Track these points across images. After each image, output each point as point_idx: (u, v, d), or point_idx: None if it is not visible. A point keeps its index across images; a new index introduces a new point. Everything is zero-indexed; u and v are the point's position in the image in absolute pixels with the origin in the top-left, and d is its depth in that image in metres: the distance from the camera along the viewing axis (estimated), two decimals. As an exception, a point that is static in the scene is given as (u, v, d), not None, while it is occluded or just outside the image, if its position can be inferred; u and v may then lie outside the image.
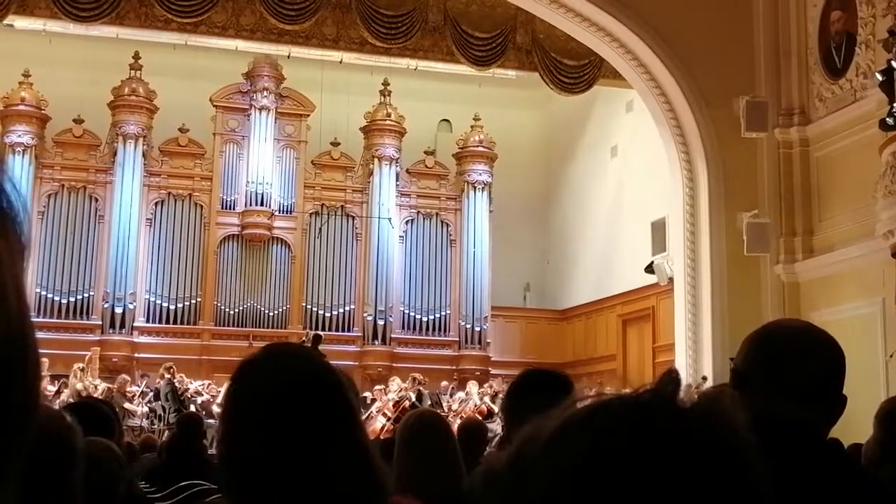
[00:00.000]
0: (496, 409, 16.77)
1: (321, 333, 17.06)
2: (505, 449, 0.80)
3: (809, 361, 2.14)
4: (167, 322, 19.38)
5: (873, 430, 3.69)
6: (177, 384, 16.42)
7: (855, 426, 4.03)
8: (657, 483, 0.70)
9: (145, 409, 16.13)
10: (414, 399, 16.16)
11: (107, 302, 18.87)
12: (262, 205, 19.85)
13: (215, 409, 16.25)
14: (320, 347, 16.37)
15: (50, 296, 18.69)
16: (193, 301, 19.53)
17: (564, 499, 0.72)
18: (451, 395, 17.84)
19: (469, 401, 17.20)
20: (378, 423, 15.55)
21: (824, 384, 2.14)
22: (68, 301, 18.90)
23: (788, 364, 2.13)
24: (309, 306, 19.93)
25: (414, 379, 16.95)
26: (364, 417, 13.73)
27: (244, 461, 1.67)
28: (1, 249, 0.61)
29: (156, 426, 15.56)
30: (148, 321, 19.29)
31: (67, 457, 1.86)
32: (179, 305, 19.45)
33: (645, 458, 0.71)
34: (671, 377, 0.77)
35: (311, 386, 1.71)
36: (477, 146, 21.35)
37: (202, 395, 16.61)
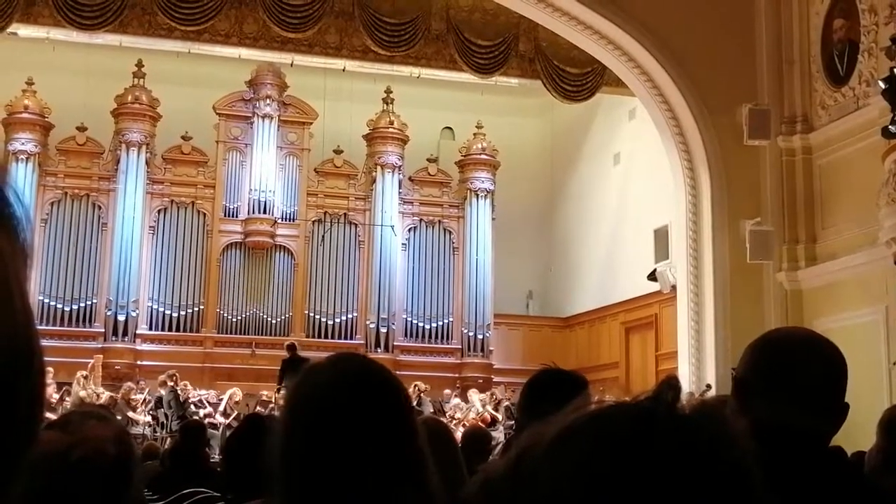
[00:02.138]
0: (500, 416, 16.77)
1: (295, 342, 17.09)
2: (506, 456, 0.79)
3: (811, 369, 2.14)
4: (170, 329, 19.36)
5: (876, 438, 3.69)
6: (179, 392, 16.40)
7: (858, 434, 4.02)
8: (657, 491, 0.70)
9: (148, 417, 16.12)
10: (414, 405, 16.14)
11: (109, 309, 18.86)
12: (264, 212, 19.84)
13: (218, 418, 16.26)
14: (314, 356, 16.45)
15: (53, 303, 18.68)
16: (196, 309, 19.53)
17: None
18: (452, 404, 17.82)
19: (471, 409, 17.18)
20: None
21: (826, 391, 2.13)
22: (71, 309, 18.89)
23: (790, 371, 2.13)
24: (311, 314, 19.92)
25: (415, 386, 16.94)
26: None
27: (302, 461, 1.66)
28: (6, 255, 0.62)
29: (158, 434, 15.54)
30: (151, 329, 19.28)
31: (128, 474, 1.90)
32: (182, 313, 19.43)
33: (644, 465, 0.71)
34: (671, 384, 0.77)
35: (374, 389, 1.71)
36: (480, 154, 21.34)
37: (205, 406, 16.59)
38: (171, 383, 16.36)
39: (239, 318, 19.61)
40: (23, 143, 18.99)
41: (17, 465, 0.62)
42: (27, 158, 18.94)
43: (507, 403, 16.87)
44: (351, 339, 19.97)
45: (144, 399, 16.44)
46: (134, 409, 16.06)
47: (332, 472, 1.62)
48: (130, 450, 1.91)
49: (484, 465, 0.83)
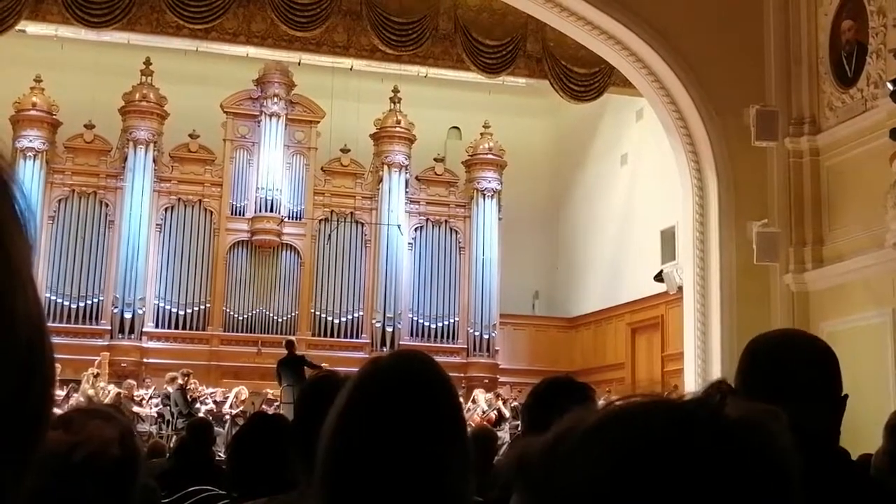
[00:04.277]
0: (507, 413, 16.76)
1: (293, 339, 17.11)
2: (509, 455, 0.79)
3: (795, 365, 2.14)
4: (176, 327, 19.40)
5: (882, 440, 3.68)
6: (188, 389, 16.41)
7: (864, 436, 4.02)
8: (689, 490, 0.70)
9: (153, 412, 16.14)
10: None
11: (116, 307, 18.90)
12: (271, 211, 19.87)
13: (226, 410, 16.28)
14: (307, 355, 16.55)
15: (59, 300, 18.72)
16: (202, 307, 19.56)
17: (594, 494, 0.72)
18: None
19: (476, 409, 17.18)
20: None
21: (816, 385, 2.13)
22: (77, 306, 18.93)
23: (775, 371, 2.14)
24: (318, 313, 19.94)
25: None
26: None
27: (354, 456, 1.63)
28: (21, 249, 0.62)
29: (164, 431, 15.56)
30: (157, 326, 19.31)
31: (131, 475, 1.88)
32: (188, 311, 19.47)
33: (680, 463, 0.71)
34: (719, 387, 0.77)
35: (430, 386, 1.70)
36: (486, 154, 21.35)
37: (207, 402, 16.59)
38: (181, 381, 16.36)
39: (245, 316, 19.64)
40: (30, 141, 19.04)
41: (27, 462, 0.63)
42: (35, 156, 18.99)
43: (514, 403, 16.88)
44: (357, 337, 19.99)
45: (150, 396, 16.46)
46: (140, 405, 16.08)
47: (380, 468, 1.61)
48: (135, 450, 1.89)
49: (524, 441, 0.83)
